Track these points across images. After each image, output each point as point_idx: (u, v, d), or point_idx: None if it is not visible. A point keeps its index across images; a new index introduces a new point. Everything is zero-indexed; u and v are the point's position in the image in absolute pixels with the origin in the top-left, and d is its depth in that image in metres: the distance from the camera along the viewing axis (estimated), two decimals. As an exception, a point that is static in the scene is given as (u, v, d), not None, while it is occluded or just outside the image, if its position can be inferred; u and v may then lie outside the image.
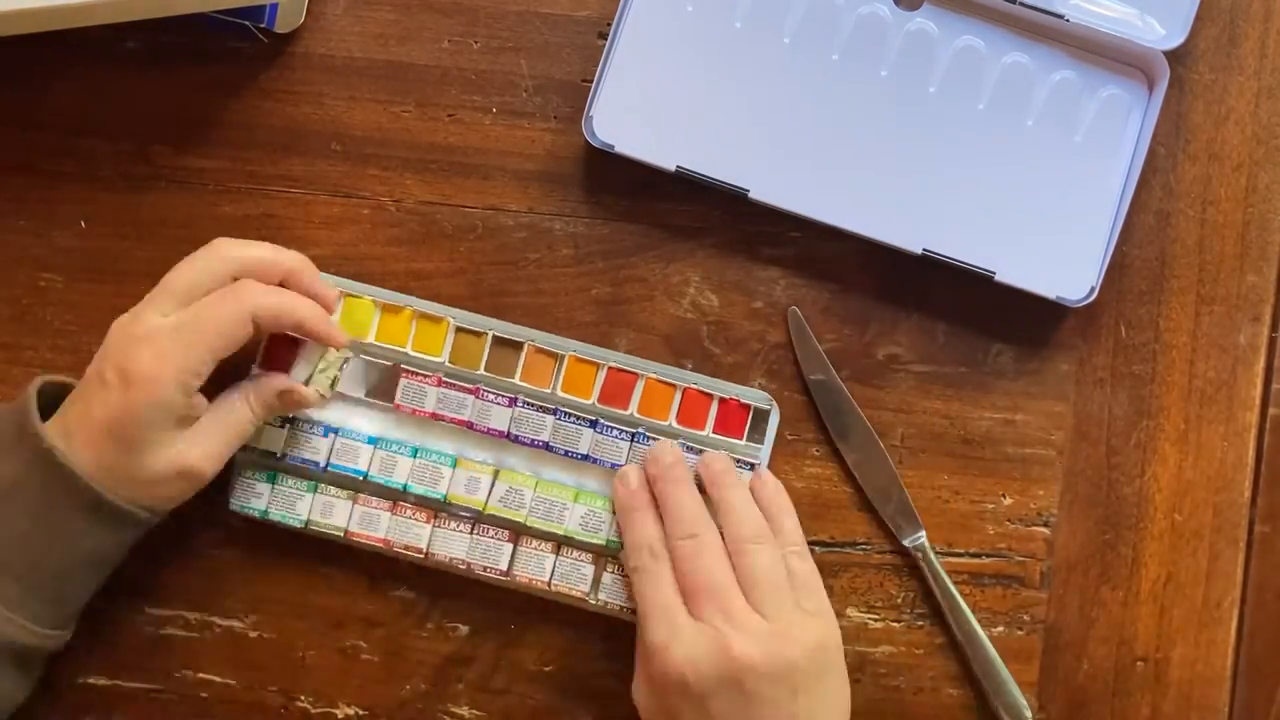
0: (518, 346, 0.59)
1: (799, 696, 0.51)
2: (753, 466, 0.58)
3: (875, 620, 0.59)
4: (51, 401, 0.53)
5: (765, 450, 0.58)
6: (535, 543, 0.58)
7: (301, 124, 0.60)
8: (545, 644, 0.59)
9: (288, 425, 0.58)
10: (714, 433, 0.58)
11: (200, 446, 0.53)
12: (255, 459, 0.58)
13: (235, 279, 0.54)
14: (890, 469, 0.59)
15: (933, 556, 0.58)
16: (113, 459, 0.51)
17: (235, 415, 0.55)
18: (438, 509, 0.58)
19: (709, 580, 0.53)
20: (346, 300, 0.59)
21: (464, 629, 0.59)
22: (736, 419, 0.58)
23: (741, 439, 0.58)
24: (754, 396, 0.59)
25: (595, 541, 0.57)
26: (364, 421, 0.59)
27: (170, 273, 0.54)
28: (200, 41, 0.60)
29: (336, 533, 0.58)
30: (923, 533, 0.58)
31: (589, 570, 0.57)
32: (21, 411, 0.52)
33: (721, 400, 0.58)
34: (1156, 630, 0.59)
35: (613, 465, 0.58)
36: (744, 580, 0.53)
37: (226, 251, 0.54)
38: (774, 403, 0.58)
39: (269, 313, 0.53)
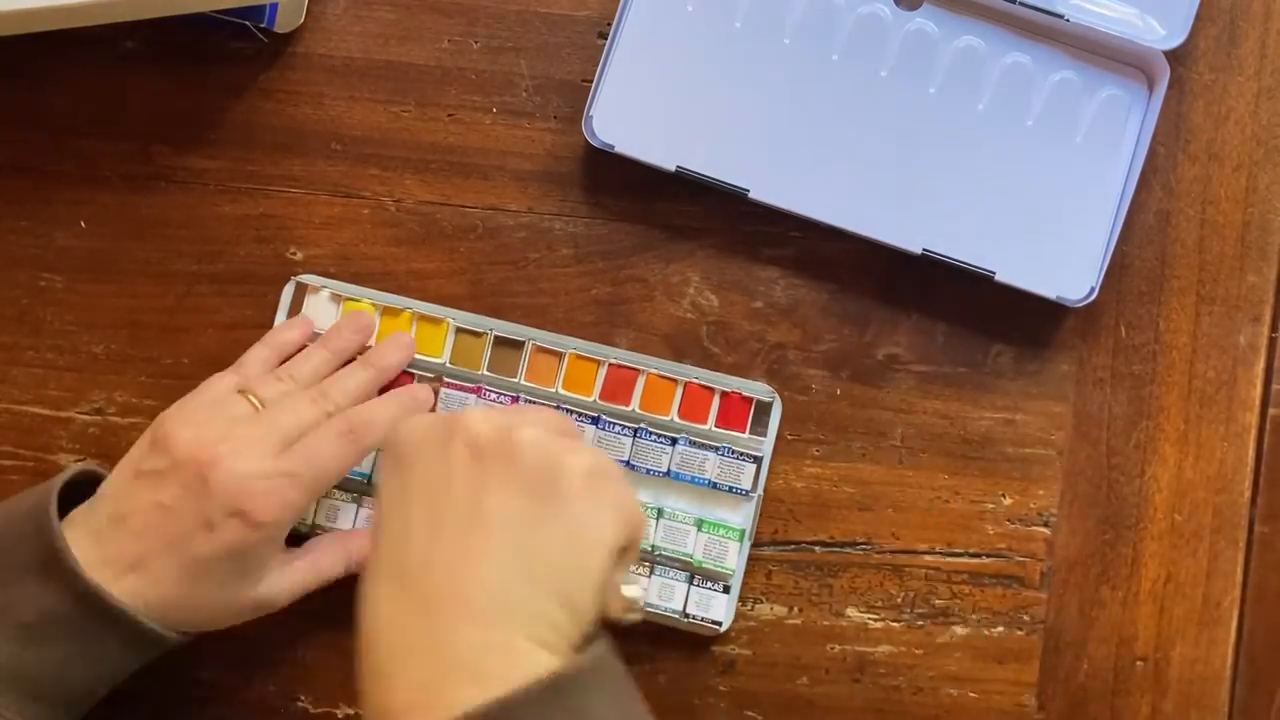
0: (519, 346, 0.59)
1: (503, 486, 0.42)
2: (757, 460, 0.58)
3: (875, 620, 0.59)
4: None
5: (768, 443, 0.58)
6: None
7: (301, 124, 0.60)
8: (545, 644, 0.59)
9: None
10: (717, 426, 0.58)
11: (286, 586, 0.52)
12: None
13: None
14: None
15: None
16: (197, 596, 0.50)
17: (332, 569, 0.54)
18: None
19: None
20: (345, 304, 0.59)
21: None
22: (739, 412, 0.58)
23: (744, 432, 0.58)
24: (756, 389, 0.59)
25: None
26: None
27: (271, 409, 0.52)
28: (200, 41, 0.60)
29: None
30: None
31: None
32: (46, 530, 0.48)
33: (723, 394, 0.58)
34: (1156, 630, 0.59)
35: (618, 461, 0.58)
36: None
37: (331, 391, 0.54)
38: (775, 395, 0.58)
39: (379, 440, 0.53)
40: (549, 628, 0.41)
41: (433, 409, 0.57)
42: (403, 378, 0.58)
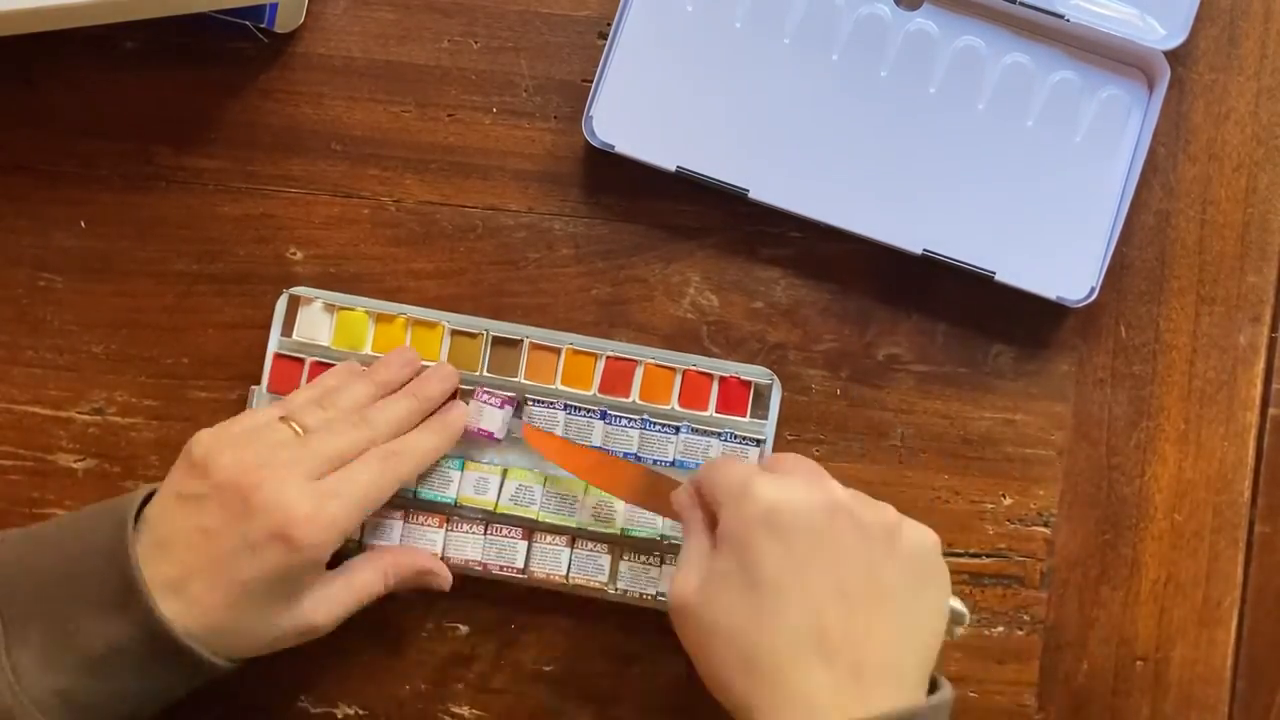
0: (516, 345, 0.59)
1: (891, 561, 0.47)
2: (759, 443, 0.58)
3: (875, 620, 0.59)
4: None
5: (770, 425, 0.58)
6: (549, 538, 0.58)
7: (301, 124, 0.60)
8: (545, 644, 0.59)
9: None
10: (717, 412, 0.58)
11: (326, 607, 0.52)
12: None
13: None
14: None
15: None
16: (239, 620, 0.49)
17: (370, 587, 0.54)
18: (449, 513, 0.58)
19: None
20: (339, 314, 0.59)
21: (464, 629, 0.59)
22: (738, 396, 0.58)
23: (745, 416, 0.58)
24: (754, 372, 0.59)
25: (609, 531, 0.57)
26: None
27: (313, 436, 0.52)
28: (200, 41, 0.60)
29: (350, 545, 0.57)
30: None
31: (605, 561, 0.58)
32: (122, 566, 0.48)
33: (722, 379, 0.59)
34: (1156, 630, 0.59)
35: (624, 454, 0.58)
36: None
37: (374, 418, 0.54)
38: (775, 377, 0.58)
39: (419, 468, 0.55)
40: (926, 675, 0.48)
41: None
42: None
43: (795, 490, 0.48)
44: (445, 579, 0.56)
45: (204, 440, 0.52)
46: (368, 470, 0.52)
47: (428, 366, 0.58)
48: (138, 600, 0.47)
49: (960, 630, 0.51)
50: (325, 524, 0.50)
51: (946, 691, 0.47)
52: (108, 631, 0.47)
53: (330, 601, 0.52)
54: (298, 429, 0.53)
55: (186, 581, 0.49)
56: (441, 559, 0.57)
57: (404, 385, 0.57)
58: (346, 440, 0.53)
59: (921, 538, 0.49)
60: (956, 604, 0.50)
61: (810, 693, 0.44)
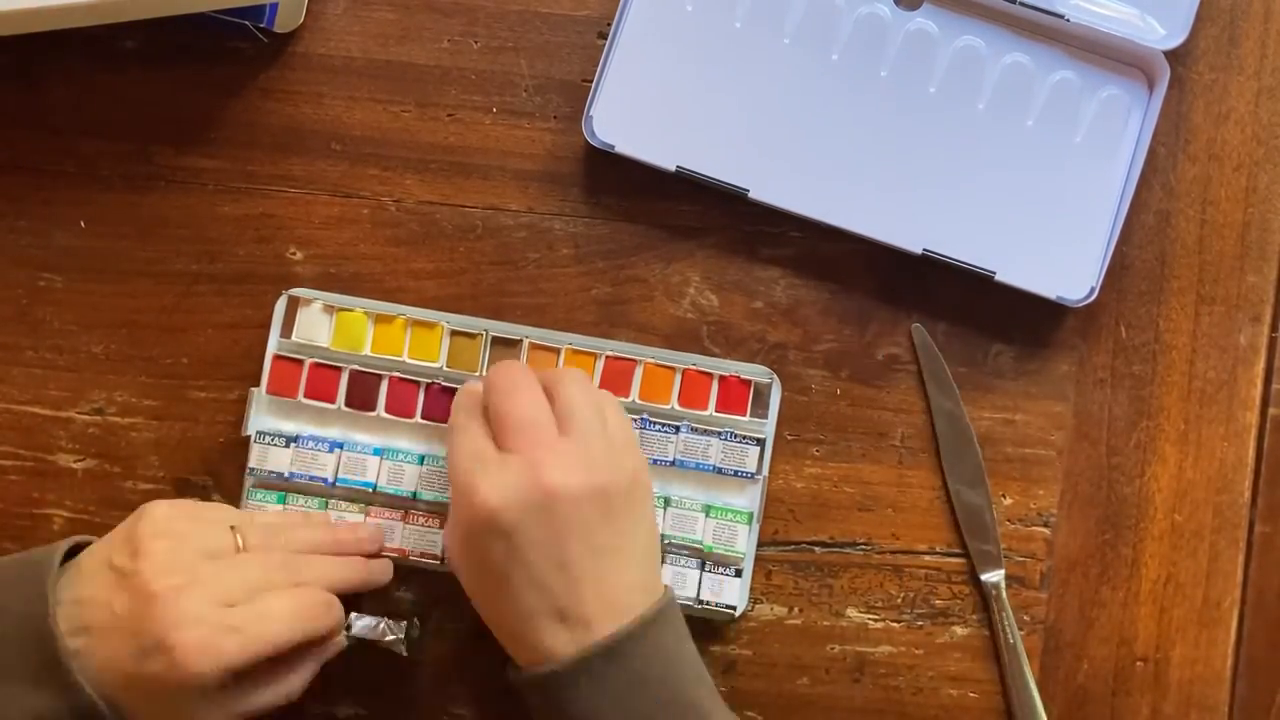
0: (515, 345, 0.59)
1: (610, 522, 0.50)
2: (760, 442, 0.58)
3: (875, 620, 0.59)
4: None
5: (770, 424, 0.58)
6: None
7: (301, 124, 0.60)
8: (545, 644, 0.59)
9: (293, 445, 0.58)
10: (717, 411, 0.58)
11: (253, 706, 0.50)
12: (263, 480, 0.58)
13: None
14: (990, 508, 0.59)
15: (1005, 596, 0.58)
16: (134, 703, 0.48)
17: (300, 685, 0.52)
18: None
19: (520, 415, 0.51)
20: (339, 315, 0.59)
21: (464, 629, 0.59)
22: (738, 395, 0.59)
23: (745, 415, 0.58)
24: (753, 371, 0.59)
25: None
26: (369, 434, 0.59)
27: (248, 564, 0.51)
28: (200, 41, 0.60)
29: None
30: (1001, 572, 0.58)
31: None
32: (44, 640, 0.47)
33: (721, 378, 0.59)
34: (1156, 630, 0.59)
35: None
36: (559, 414, 0.52)
37: (306, 569, 0.53)
38: (774, 376, 0.58)
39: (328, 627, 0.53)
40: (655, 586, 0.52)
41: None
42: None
43: (509, 491, 0.49)
44: (336, 627, 0.54)
45: (154, 517, 0.51)
46: (281, 620, 0.50)
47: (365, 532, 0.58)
48: (62, 675, 0.47)
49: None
50: (212, 656, 0.47)
51: (666, 594, 0.52)
52: (35, 704, 0.47)
53: (259, 699, 0.50)
54: (240, 543, 0.52)
55: (92, 649, 0.48)
56: (444, 560, 0.57)
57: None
58: (274, 577, 0.51)
59: (626, 478, 0.51)
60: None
61: (551, 646, 0.49)
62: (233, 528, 0.52)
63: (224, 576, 0.50)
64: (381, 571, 0.57)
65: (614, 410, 0.53)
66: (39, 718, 0.47)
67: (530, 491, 0.49)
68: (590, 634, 0.49)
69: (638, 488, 0.52)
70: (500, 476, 0.49)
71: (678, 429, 0.58)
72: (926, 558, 0.59)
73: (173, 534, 0.50)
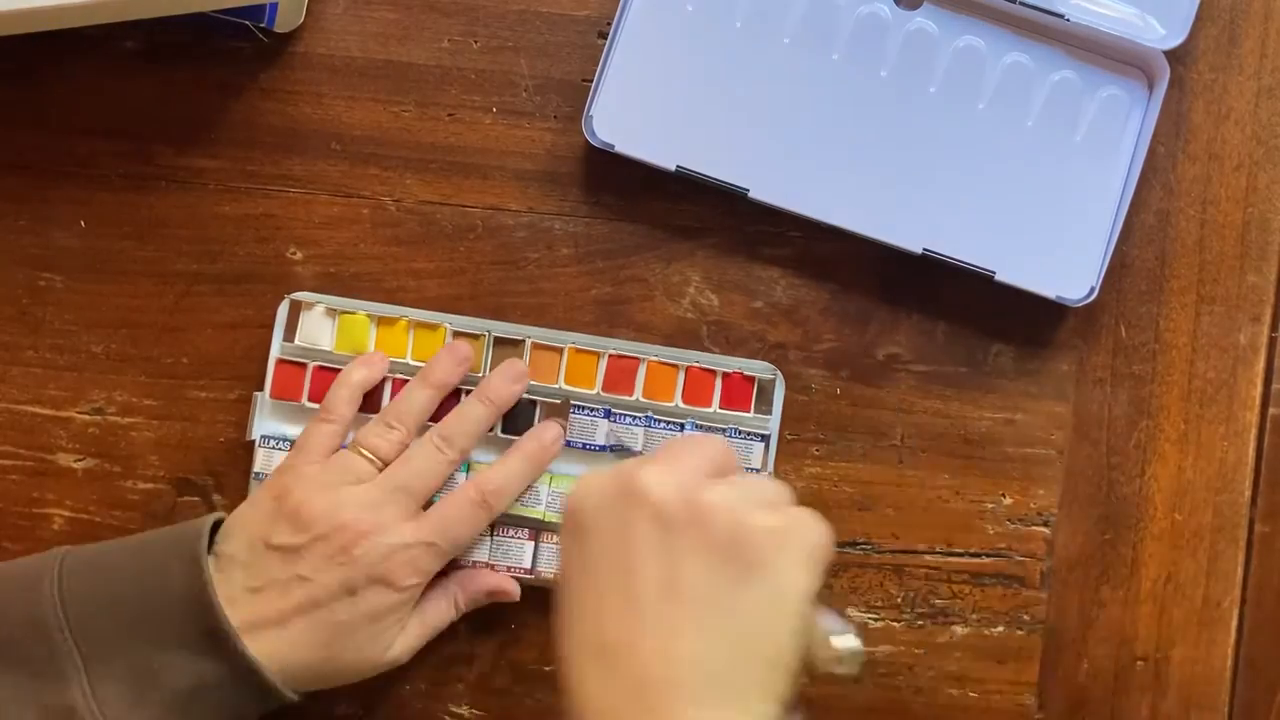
0: (518, 345, 0.59)
1: (697, 555, 0.40)
2: (763, 438, 0.58)
3: (875, 620, 0.59)
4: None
5: (774, 420, 0.58)
6: (556, 539, 0.58)
7: (301, 124, 0.60)
8: (545, 644, 0.59)
9: None
10: (721, 408, 0.58)
11: (404, 641, 0.54)
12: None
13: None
14: None
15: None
16: (330, 659, 0.51)
17: (441, 616, 0.56)
18: None
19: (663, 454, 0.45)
20: (341, 318, 0.59)
21: (464, 629, 0.59)
22: (741, 392, 0.59)
23: (749, 411, 0.58)
24: (757, 368, 0.59)
25: None
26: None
27: (398, 468, 0.54)
28: (200, 41, 0.60)
29: None
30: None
31: None
32: (206, 613, 0.49)
33: (725, 375, 0.59)
34: (1156, 630, 0.59)
35: (631, 450, 0.58)
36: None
37: (453, 437, 0.55)
38: (778, 372, 0.58)
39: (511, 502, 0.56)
40: (761, 692, 0.41)
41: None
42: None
43: (592, 485, 0.43)
44: (514, 593, 0.57)
45: (295, 491, 0.52)
46: (461, 514, 0.54)
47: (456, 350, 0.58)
48: (227, 645, 0.49)
49: (847, 669, 0.43)
50: (422, 568, 0.52)
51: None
52: (196, 670, 0.48)
53: (408, 635, 0.54)
54: (372, 459, 0.54)
55: (281, 624, 0.50)
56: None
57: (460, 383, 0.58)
58: (429, 468, 0.54)
59: (759, 522, 0.42)
60: (843, 640, 0.43)
61: (588, 700, 0.40)
62: (356, 449, 0.54)
63: (393, 497, 0.53)
64: (516, 377, 0.57)
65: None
66: (205, 684, 0.48)
67: (618, 485, 0.42)
68: (645, 706, 0.39)
69: (786, 545, 0.42)
70: (596, 476, 0.44)
71: (683, 426, 0.58)
72: (926, 558, 0.59)
73: (321, 489, 0.52)
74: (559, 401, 0.58)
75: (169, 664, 0.48)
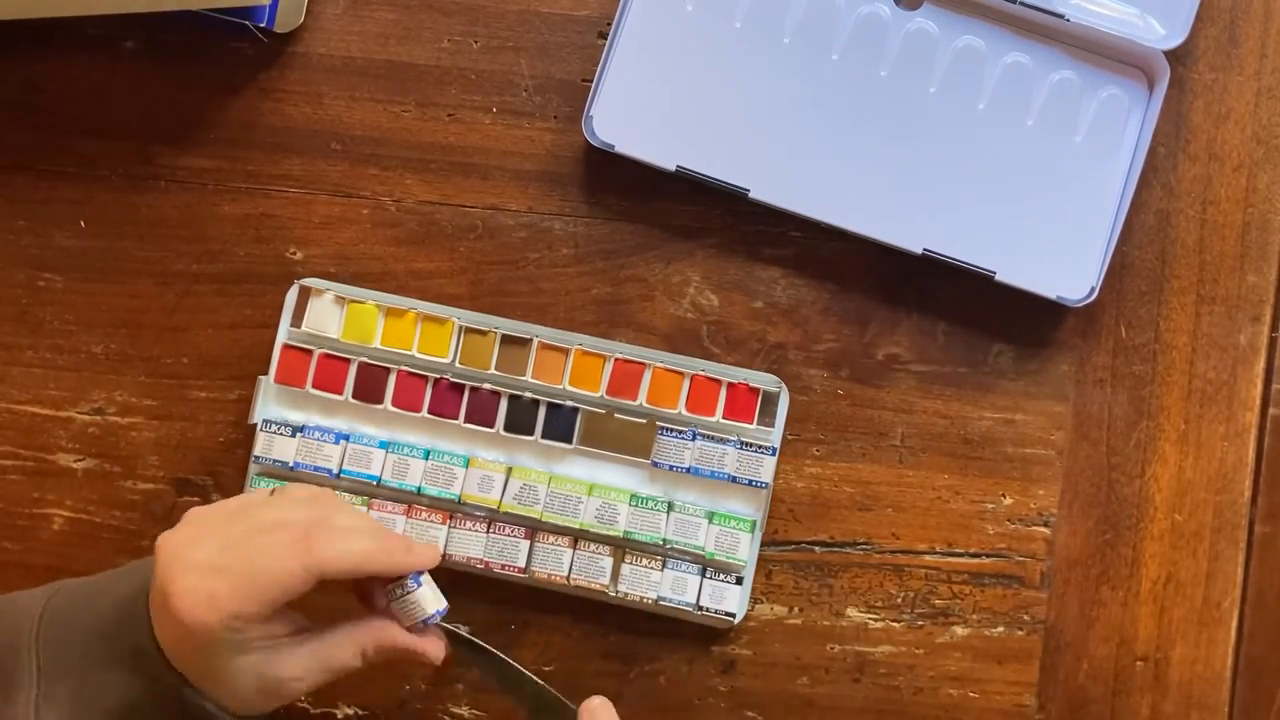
0: (524, 343, 0.59)
1: None
2: (773, 451, 0.58)
3: (875, 620, 0.59)
4: None
5: (777, 433, 0.58)
6: (552, 538, 0.58)
7: (301, 124, 0.60)
8: (545, 644, 0.59)
9: (298, 434, 0.58)
10: (724, 418, 0.58)
11: (290, 667, 0.47)
12: (268, 469, 0.58)
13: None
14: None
15: None
16: (204, 671, 0.46)
17: (339, 659, 0.49)
18: (453, 510, 0.58)
19: None
20: (350, 306, 0.59)
21: (464, 629, 0.59)
22: (746, 402, 0.59)
23: (752, 423, 0.58)
24: (762, 379, 0.59)
25: (612, 534, 0.57)
26: (375, 427, 0.59)
27: (266, 505, 0.49)
28: (200, 41, 0.60)
29: None
30: None
31: (607, 563, 0.58)
32: (133, 618, 0.47)
33: (730, 385, 0.59)
34: (1156, 630, 0.59)
35: (638, 458, 0.58)
36: None
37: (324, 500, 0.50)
38: (783, 384, 0.58)
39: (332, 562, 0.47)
40: None
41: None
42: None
43: None
44: (435, 657, 0.51)
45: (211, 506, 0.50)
46: (271, 551, 0.46)
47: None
48: (150, 661, 0.46)
49: None
50: (204, 602, 0.44)
51: None
52: (127, 688, 0.47)
53: (294, 663, 0.48)
54: (268, 492, 0.51)
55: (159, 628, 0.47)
56: (444, 556, 0.57)
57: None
58: (286, 513, 0.48)
59: None
60: None
61: None
62: (272, 490, 0.50)
63: (237, 518, 0.47)
64: (421, 554, 0.50)
65: None
66: (134, 703, 0.46)
67: None
68: None
69: None
70: None
71: (693, 436, 0.58)
72: (926, 558, 0.59)
73: (216, 505, 0.49)
74: (560, 401, 0.58)
75: (106, 683, 0.47)
